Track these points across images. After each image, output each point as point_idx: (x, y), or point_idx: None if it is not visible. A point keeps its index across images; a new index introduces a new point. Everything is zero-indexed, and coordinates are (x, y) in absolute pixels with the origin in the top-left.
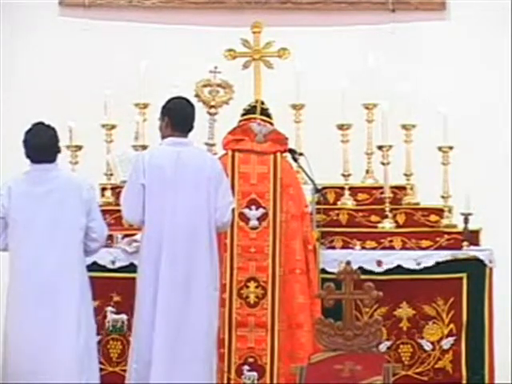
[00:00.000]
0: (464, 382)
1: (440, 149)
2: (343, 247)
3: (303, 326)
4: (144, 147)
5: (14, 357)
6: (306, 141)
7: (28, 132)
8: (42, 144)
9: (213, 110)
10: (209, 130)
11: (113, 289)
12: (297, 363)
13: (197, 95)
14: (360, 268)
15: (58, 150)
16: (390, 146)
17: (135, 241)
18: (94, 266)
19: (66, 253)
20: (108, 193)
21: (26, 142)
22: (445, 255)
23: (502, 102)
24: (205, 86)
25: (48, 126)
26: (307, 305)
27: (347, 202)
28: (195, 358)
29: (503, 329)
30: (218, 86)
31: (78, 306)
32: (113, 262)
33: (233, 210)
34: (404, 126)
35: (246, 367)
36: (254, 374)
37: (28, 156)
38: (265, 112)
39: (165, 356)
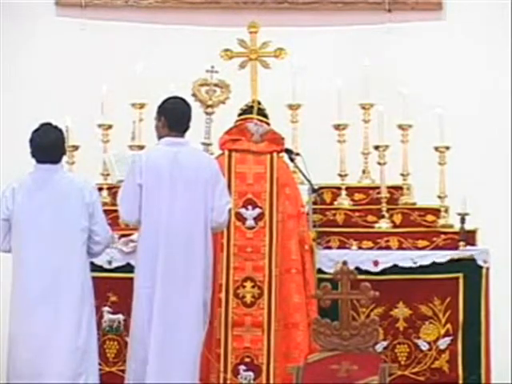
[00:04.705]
0: (460, 381)
1: (437, 149)
2: (340, 247)
3: (299, 326)
4: (140, 147)
5: (16, 357)
6: (303, 141)
7: (35, 131)
8: (47, 144)
9: (210, 110)
10: (205, 130)
11: (109, 289)
12: (292, 363)
13: (194, 94)
14: (356, 268)
15: (64, 152)
16: (387, 146)
17: (132, 241)
18: (90, 266)
19: (67, 254)
20: (104, 193)
21: (32, 142)
22: (441, 256)
23: (500, 101)
24: (202, 85)
25: (55, 127)
26: (303, 304)
27: (344, 202)
28: (188, 357)
29: (500, 329)
30: (215, 85)
31: (79, 307)
32: (109, 262)
33: (229, 210)
34: (400, 126)
35: (243, 367)
36: (251, 373)
37: (33, 155)
38: (261, 112)
39: (160, 355)
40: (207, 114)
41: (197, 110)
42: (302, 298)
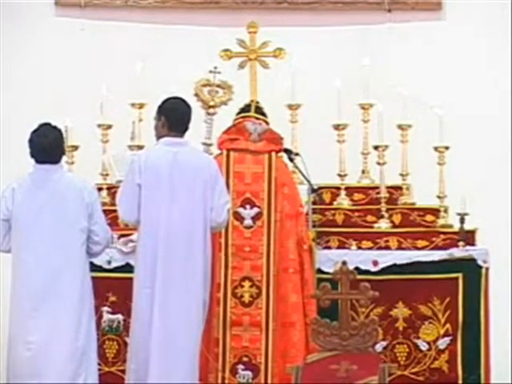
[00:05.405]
0: (460, 381)
1: (436, 149)
2: (339, 247)
3: (295, 325)
4: (140, 147)
5: (16, 357)
6: (302, 141)
7: (34, 132)
8: (47, 144)
9: (212, 110)
10: (206, 130)
11: (109, 289)
12: (289, 362)
13: (196, 95)
14: (356, 268)
15: (63, 152)
16: (386, 146)
17: (131, 241)
18: (90, 266)
19: (67, 255)
20: (104, 193)
21: (31, 142)
22: (441, 255)
23: (499, 101)
24: (204, 85)
25: (54, 127)
26: (300, 304)
27: (343, 202)
28: (188, 357)
29: (500, 329)
30: (218, 86)
31: (78, 308)
32: (109, 262)
33: (228, 210)
34: (400, 126)
35: (241, 366)
36: (249, 373)
37: (32, 156)
38: (259, 110)
39: (160, 355)
40: (209, 114)
41: (197, 111)
42: (299, 298)
